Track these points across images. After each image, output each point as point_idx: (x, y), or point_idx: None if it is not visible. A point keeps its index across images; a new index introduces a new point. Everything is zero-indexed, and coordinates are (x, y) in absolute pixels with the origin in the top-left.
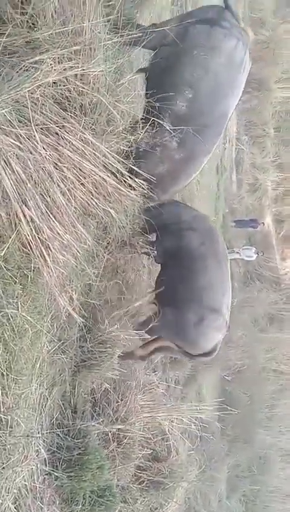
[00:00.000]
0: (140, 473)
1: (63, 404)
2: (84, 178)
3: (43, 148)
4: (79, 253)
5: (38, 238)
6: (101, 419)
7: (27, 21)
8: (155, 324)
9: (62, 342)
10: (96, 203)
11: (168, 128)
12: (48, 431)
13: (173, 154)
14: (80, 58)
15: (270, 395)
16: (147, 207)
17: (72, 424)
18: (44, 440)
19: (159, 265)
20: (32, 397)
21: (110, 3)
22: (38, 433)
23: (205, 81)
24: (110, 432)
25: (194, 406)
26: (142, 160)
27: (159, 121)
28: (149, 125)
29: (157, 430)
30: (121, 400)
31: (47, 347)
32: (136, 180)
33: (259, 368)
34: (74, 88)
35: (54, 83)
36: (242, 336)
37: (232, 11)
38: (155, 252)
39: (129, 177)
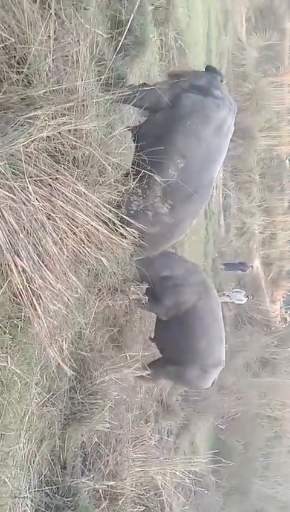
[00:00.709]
0: None
1: (52, 459)
2: (77, 227)
3: (36, 199)
4: (70, 301)
5: (30, 287)
6: (92, 475)
7: (23, 79)
8: (157, 372)
9: (52, 393)
10: (88, 252)
11: (160, 188)
12: (36, 489)
13: (164, 219)
14: (73, 114)
15: (265, 442)
16: (139, 259)
17: (62, 480)
18: (32, 499)
19: (153, 313)
20: (20, 453)
21: (101, 62)
22: (26, 492)
23: (197, 151)
24: (101, 488)
25: (187, 459)
26: (136, 221)
27: (154, 181)
28: (140, 184)
29: (149, 484)
30: (112, 454)
31: (36, 399)
32: (128, 229)
33: (253, 414)
34: (67, 142)
35: (48, 137)
36: (235, 382)
37: (218, 72)
38: (148, 303)
39: (121, 226)
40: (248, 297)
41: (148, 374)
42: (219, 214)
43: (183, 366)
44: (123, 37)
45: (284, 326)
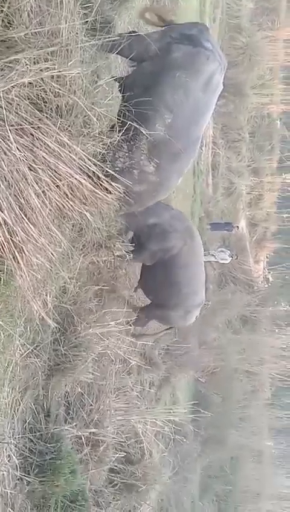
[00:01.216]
0: (113, 476)
1: (35, 408)
2: (60, 180)
3: (18, 149)
4: (53, 256)
5: (12, 240)
6: (75, 423)
7: (2, 20)
8: (146, 316)
9: (36, 345)
10: (71, 206)
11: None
12: (20, 436)
13: (150, 177)
14: (56, 59)
15: (242, 396)
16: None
17: (45, 428)
18: (16, 445)
19: (137, 263)
20: (4, 401)
21: (87, 5)
22: (10, 438)
23: (185, 106)
24: (84, 435)
25: (168, 409)
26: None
27: (138, 136)
28: (125, 140)
29: (130, 432)
30: (95, 403)
31: (20, 350)
32: (112, 183)
33: (232, 369)
34: (50, 89)
35: (30, 83)
36: (216, 338)
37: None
38: (133, 252)
39: (105, 180)
40: (232, 257)
41: (137, 317)
42: (207, 173)
43: (168, 309)
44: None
45: (266, 286)
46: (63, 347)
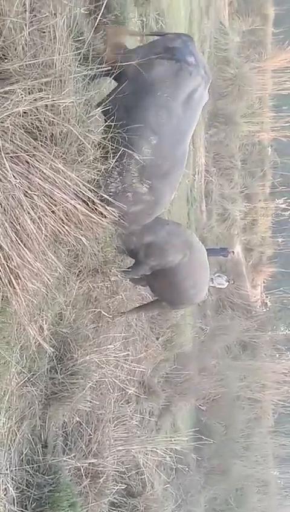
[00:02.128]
0: (114, 509)
1: (33, 438)
2: (55, 206)
3: (13, 176)
4: (49, 281)
5: (7, 266)
6: (73, 454)
7: None
8: (152, 308)
9: (32, 373)
10: (67, 231)
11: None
12: (17, 468)
13: (144, 198)
14: (50, 90)
15: (245, 424)
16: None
17: (43, 459)
18: (12, 478)
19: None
20: (0, 432)
21: (79, 38)
22: (7, 470)
23: (169, 125)
24: (83, 466)
25: (168, 437)
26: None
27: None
28: (115, 166)
29: (131, 463)
30: (94, 433)
31: (16, 379)
32: (107, 208)
33: (233, 396)
34: (44, 118)
35: (25, 112)
36: (216, 365)
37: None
38: (132, 268)
39: (100, 205)
40: (229, 281)
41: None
42: (200, 200)
43: (175, 304)
44: (101, 13)
45: (264, 310)
46: (60, 375)
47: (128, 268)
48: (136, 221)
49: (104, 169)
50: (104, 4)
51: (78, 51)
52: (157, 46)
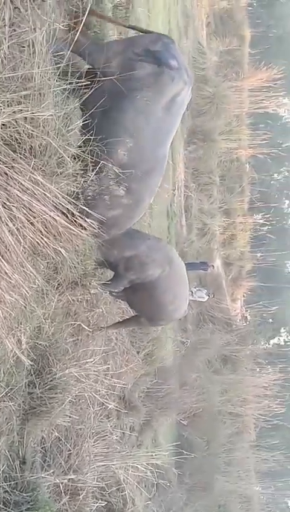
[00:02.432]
0: None
1: (10, 455)
2: (34, 217)
3: None
4: (28, 293)
5: None
6: (52, 470)
7: None
8: (130, 324)
9: (10, 388)
10: (46, 243)
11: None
12: None
13: (122, 201)
14: (29, 102)
15: (227, 438)
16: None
17: (21, 476)
18: None
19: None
20: None
21: (59, 53)
22: None
23: (147, 129)
24: (62, 483)
25: (149, 452)
26: (94, 207)
27: (109, 162)
28: (94, 169)
29: (112, 479)
30: (73, 449)
31: None
32: (87, 220)
33: (215, 411)
34: (23, 130)
35: (4, 125)
36: (197, 379)
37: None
38: (111, 281)
39: (80, 217)
40: (209, 295)
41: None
42: (180, 215)
43: (154, 320)
44: (79, 30)
45: (244, 324)
46: (38, 389)
47: (108, 281)
48: (116, 225)
49: (82, 169)
50: (83, 21)
51: (58, 65)
52: (138, 45)
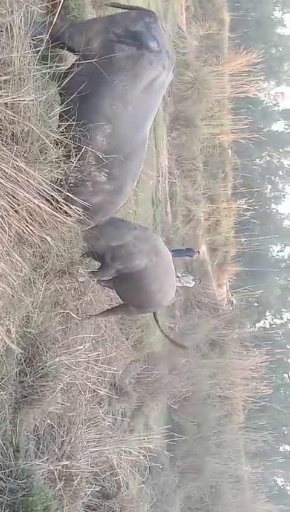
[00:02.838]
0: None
1: (4, 443)
2: (18, 205)
3: None
4: (15, 282)
5: None
6: (46, 457)
7: None
8: (118, 312)
9: (1, 377)
10: (31, 230)
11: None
12: None
13: (104, 187)
14: (9, 88)
15: (217, 421)
16: (85, 233)
17: (15, 464)
18: None
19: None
20: None
21: (38, 37)
22: None
23: (124, 115)
24: (56, 469)
25: (141, 436)
26: (77, 194)
27: (91, 149)
28: (76, 156)
29: (105, 464)
30: (66, 435)
31: None
32: (72, 206)
33: (204, 394)
34: (4, 117)
35: None
36: (186, 363)
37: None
38: (98, 270)
39: (65, 204)
40: (195, 280)
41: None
42: (165, 202)
43: (142, 308)
44: (57, 13)
45: (230, 308)
46: (29, 378)
47: (95, 270)
48: (101, 211)
49: (65, 156)
50: (61, 4)
51: (37, 49)
52: (118, 25)
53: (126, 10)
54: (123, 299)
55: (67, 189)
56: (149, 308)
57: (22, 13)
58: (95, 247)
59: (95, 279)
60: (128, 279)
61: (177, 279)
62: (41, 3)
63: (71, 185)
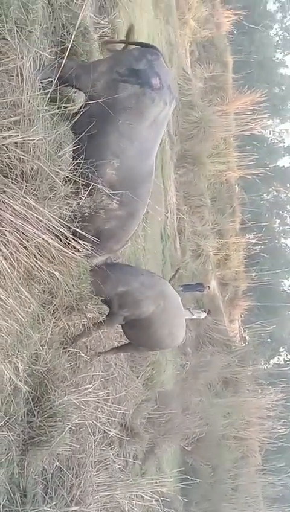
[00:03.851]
0: None
1: (10, 487)
2: (27, 241)
3: None
4: (24, 319)
5: None
6: (54, 502)
7: None
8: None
9: (8, 417)
10: (40, 266)
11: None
12: None
13: (116, 214)
14: (19, 128)
15: (232, 464)
16: (93, 279)
17: (22, 510)
18: None
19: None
20: None
21: (47, 80)
22: None
23: (131, 149)
24: None
25: (154, 480)
26: (90, 223)
27: (99, 186)
28: (87, 190)
29: (116, 510)
30: (75, 479)
31: None
32: (80, 242)
33: (218, 435)
34: (14, 156)
35: None
36: (199, 403)
37: (157, 49)
38: (106, 317)
39: (73, 239)
40: (205, 311)
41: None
42: (174, 237)
43: (152, 348)
44: (65, 57)
45: (243, 345)
46: (37, 418)
47: (102, 319)
48: (113, 237)
49: (74, 192)
50: (69, 49)
51: (46, 91)
52: (122, 64)
53: (133, 47)
54: (133, 342)
55: (80, 219)
56: (159, 348)
57: (31, 58)
58: (102, 293)
59: (105, 329)
60: (136, 326)
61: (188, 310)
62: (50, 49)
63: (85, 214)
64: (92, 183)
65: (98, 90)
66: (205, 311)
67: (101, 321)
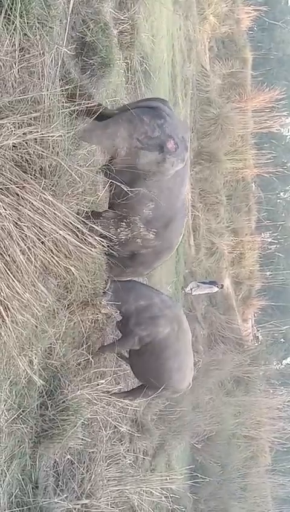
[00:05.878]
0: None
1: (23, 479)
2: (45, 237)
3: (3, 208)
4: (39, 312)
5: None
6: (65, 495)
7: None
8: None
9: (22, 410)
10: (56, 261)
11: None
12: (6, 510)
13: (153, 242)
14: (39, 124)
15: (242, 463)
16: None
17: (33, 501)
18: None
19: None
20: None
21: (68, 77)
22: None
23: (162, 195)
24: (75, 508)
25: (163, 476)
26: (127, 246)
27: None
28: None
29: (125, 505)
30: (86, 473)
31: (5, 416)
32: (97, 238)
33: (228, 434)
34: (33, 151)
35: (14, 146)
36: (209, 401)
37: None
38: (120, 338)
39: (90, 235)
40: (218, 286)
41: (126, 397)
42: (188, 235)
43: (158, 389)
44: (84, 54)
45: (256, 344)
46: (50, 411)
47: (116, 340)
48: (145, 263)
49: (114, 220)
50: (89, 46)
51: (66, 88)
52: (139, 132)
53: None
54: (139, 376)
55: (117, 243)
56: (166, 386)
57: (52, 54)
58: (123, 305)
59: (116, 351)
60: (148, 351)
61: (197, 286)
62: (70, 46)
63: (122, 240)
64: (131, 217)
65: (121, 155)
66: (217, 286)
67: (113, 342)
